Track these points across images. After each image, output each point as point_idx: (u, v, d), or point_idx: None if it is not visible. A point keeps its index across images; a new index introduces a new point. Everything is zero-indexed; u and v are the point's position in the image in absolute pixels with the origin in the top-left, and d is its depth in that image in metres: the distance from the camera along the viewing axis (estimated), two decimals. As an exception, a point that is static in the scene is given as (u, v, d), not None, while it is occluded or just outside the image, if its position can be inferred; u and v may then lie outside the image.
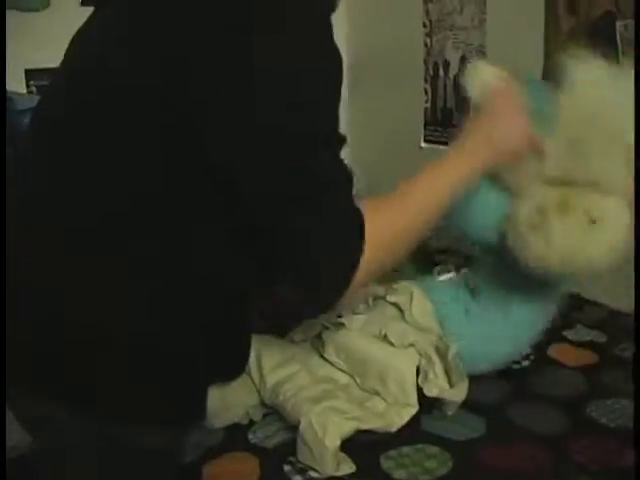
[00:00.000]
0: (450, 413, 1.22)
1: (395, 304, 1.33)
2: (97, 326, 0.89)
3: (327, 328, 1.29)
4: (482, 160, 1.08)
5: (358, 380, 1.24)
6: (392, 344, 1.23)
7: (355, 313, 1.31)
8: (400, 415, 1.17)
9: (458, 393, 1.21)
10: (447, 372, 1.23)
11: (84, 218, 0.89)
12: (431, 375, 1.21)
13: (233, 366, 1.10)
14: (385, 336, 1.24)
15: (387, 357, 1.22)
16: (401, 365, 1.21)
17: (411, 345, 1.23)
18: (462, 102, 2.27)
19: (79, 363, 0.90)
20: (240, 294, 1.00)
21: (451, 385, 1.22)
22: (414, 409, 1.19)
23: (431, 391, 1.19)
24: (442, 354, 1.24)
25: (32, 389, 0.92)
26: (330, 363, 1.26)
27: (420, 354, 1.22)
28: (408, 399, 1.19)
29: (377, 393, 1.21)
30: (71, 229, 0.89)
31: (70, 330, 0.89)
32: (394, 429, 1.16)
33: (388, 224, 0.93)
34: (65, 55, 0.99)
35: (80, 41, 0.98)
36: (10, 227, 0.92)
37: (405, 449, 1.14)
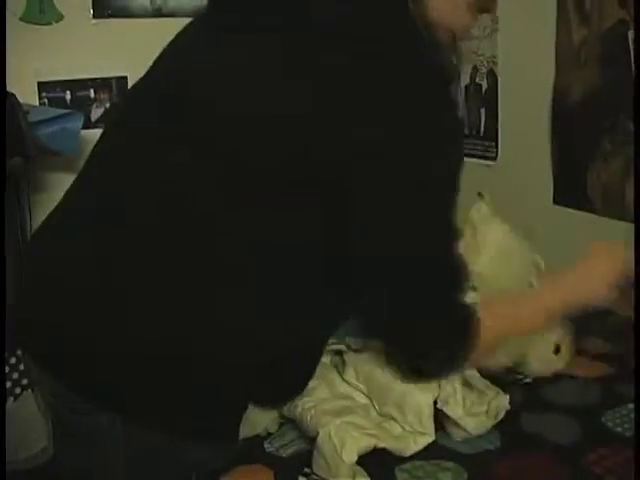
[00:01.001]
0: (459, 439, 1.21)
1: None
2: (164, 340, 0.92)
3: (350, 349, 1.29)
4: (569, 301, 1.21)
5: (376, 405, 1.23)
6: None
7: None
8: (416, 441, 1.17)
9: (473, 425, 1.21)
10: (467, 402, 1.23)
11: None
12: (452, 401, 1.20)
13: (287, 393, 1.14)
14: None
15: (406, 387, 1.21)
16: (419, 397, 1.20)
17: None
18: (473, 112, 2.28)
19: (137, 373, 0.93)
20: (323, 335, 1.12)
21: (469, 416, 1.21)
22: (431, 438, 1.19)
23: (450, 411, 1.20)
24: (469, 386, 1.25)
25: (84, 391, 0.95)
26: (349, 384, 1.26)
27: (441, 382, 1.21)
28: (425, 429, 1.19)
29: (394, 419, 1.21)
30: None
31: (136, 342, 0.92)
32: (409, 454, 1.16)
33: (494, 331, 1.09)
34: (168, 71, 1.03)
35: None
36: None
37: (419, 462, 1.14)
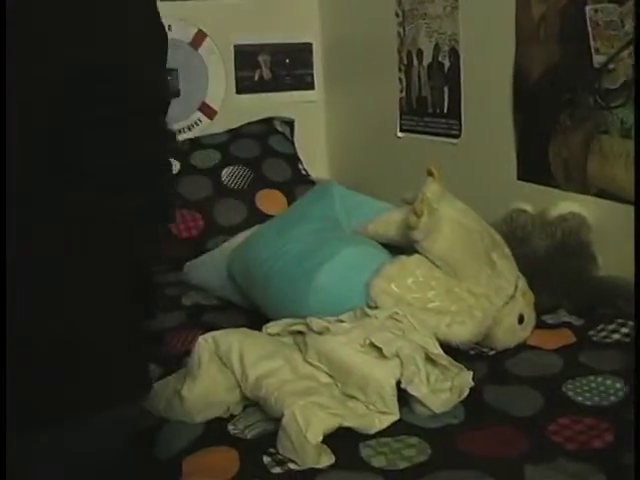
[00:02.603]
0: (421, 415, 1.22)
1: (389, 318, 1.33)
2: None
3: (310, 331, 1.29)
4: None
5: (339, 385, 1.24)
6: (374, 355, 1.24)
7: (340, 321, 1.32)
8: (380, 420, 1.18)
9: (438, 403, 1.21)
10: (431, 378, 1.24)
11: None
12: (416, 380, 1.21)
13: None
14: (369, 345, 1.24)
15: (368, 369, 1.22)
16: (381, 378, 1.21)
17: (396, 355, 1.23)
18: (436, 90, 2.29)
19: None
20: None
21: (434, 392, 1.22)
22: (395, 417, 1.19)
23: (415, 390, 1.21)
24: (432, 362, 1.26)
25: None
26: (311, 364, 1.26)
27: (404, 361, 1.22)
28: (389, 409, 1.20)
29: (357, 399, 1.22)
30: None
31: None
32: (373, 431, 1.17)
33: None
34: None
35: None
36: None
37: (384, 439, 1.15)
